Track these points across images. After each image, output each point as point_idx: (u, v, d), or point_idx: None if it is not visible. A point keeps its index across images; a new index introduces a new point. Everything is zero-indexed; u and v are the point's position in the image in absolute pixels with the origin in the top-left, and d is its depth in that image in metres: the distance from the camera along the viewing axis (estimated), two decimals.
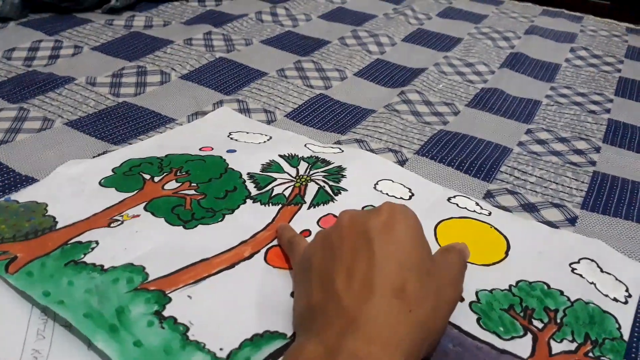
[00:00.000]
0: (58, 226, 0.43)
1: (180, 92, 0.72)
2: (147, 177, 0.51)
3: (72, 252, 0.40)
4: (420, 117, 0.71)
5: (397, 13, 1.11)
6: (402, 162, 0.60)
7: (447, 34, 1.03)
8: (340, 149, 0.60)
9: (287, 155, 0.57)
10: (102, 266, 0.39)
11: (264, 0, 1.09)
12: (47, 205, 0.46)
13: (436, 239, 0.48)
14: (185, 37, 0.87)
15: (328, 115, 0.70)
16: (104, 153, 0.56)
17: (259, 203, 0.49)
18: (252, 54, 0.85)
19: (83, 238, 0.42)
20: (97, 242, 0.42)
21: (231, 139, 0.60)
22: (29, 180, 0.51)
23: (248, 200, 0.49)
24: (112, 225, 0.44)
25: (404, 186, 0.54)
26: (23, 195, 0.47)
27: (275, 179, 0.53)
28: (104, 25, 0.90)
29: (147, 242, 0.42)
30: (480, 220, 0.50)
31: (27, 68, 0.74)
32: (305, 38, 0.94)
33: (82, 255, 0.40)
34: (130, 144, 0.59)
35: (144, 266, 0.40)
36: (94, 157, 0.56)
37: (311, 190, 0.52)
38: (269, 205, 0.49)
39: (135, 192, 0.49)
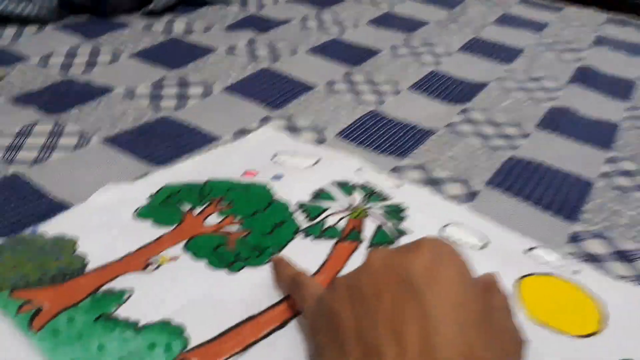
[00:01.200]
0: (88, 268, 0.38)
1: (223, 107, 0.66)
2: (187, 208, 0.46)
3: (104, 303, 0.35)
4: (486, 140, 0.64)
5: (450, 20, 1.03)
6: (471, 195, 0.53)
7: (507, 44, 0.94)
8: (399, 184, 0.53)
9: (338, 182, 0.51)
10: (136, 323, 0.34)
11: (308, 3, 1.03)
12: (77, 240, 0.41)
13: (521, 298, 0.41)
14: (228, 45, 0.82)
15: (383, 135, 0.63)
16: (144, 176, 0.52)
17: (310, 237, 0.44)
18: (298, 64, 0.79)
19: (116, 284, 0.37)
20: (131, 290, 0.37)
21: (276, 162, 0.55)
22: (62, 207, 0.47)
23: (298, 235, 0.44)
24: (148, 268, 0.39)
25: (475, 233, 0.48)
26: (51, 227, 0.42)
27: (327, 209, 0.47)
28: (143, 30, 0.86)
29: (187, 291, 0.37)
30: (567, 279, 0.43)
31: (63, 76, 0.71)
32: (353, 47, 0.87)
33: (115, 307, 0.35)
34: (173, 165, 0.54)
35: (184, 327, 0.34)
36: (134, 179, 0.51)
37: (369, 227, 0.46)
38: (321, 239, 0.43)
39: (174, 227, 0.43)
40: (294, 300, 0.36)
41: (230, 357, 0.33)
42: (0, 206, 0.47)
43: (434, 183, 0.55)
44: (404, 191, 0.52)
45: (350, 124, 0.65)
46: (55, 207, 0.46)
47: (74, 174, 0.52)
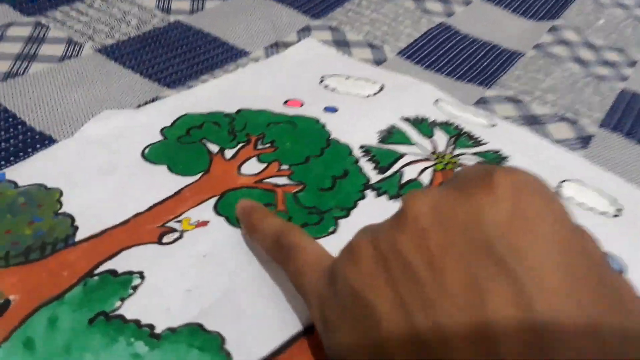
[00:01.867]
0: (78, 236, 0.26)
1: (252, 12, 0.51)
2: (214, 148, 0.33)
3: (102, 295, 0.24)
4: (588, 67, 0.50)
5: None
6: (584, 140, 0.40)
7: None
8: (490, 122, 0.40)
9: (413, 117, 0.39)
10: (151, 328, 0.23)
11: None
12: (61, 193, 0.29)
13: None
14: None
15: (458, 56, 0.49)
16: (153, 101, 0.39)
17: (385, 197, 0.31)
18: None
19: (119, 264, 0.25)
20: (141, 275, 0.25)
21: (326, 87, 0.41)
22: (44, 141, 0.34)
23: (368, 193, 0.32)
24: (164, 240, 0.27)
25: (603, 193, 0.35)
26: (24, 172, 0.30)
27: (402, 155, 0.35)
28: None
29: (222, 277, 0.25)
30: None
31: None
32: None
33: (119, 303, 0.23)
34: (190, 86, 0.41)
35: (222, 336, 0.23)
36: (138, 106, 0.38)
37: None
38: (399, 201, 0.31)
39: (199, 175, 0.31)
40: (284, 269, 0.24)
41: None
42: None
43: (533, 121, 0.42)
44: (499, 132, 0.39)
45: (416, 40, 0.51)
46: (36, 141, 0.34)
47: (59, 94, 0.39)
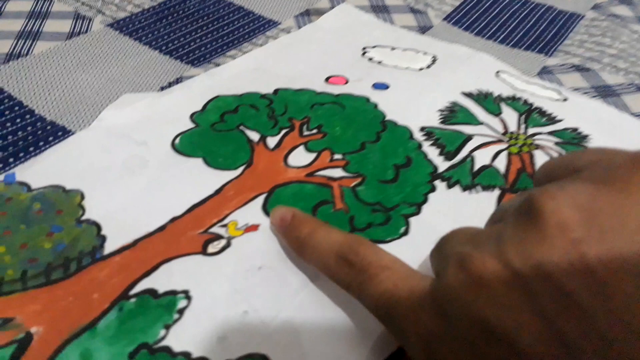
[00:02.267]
0: (107, 248, 0.22)
1: None
2: (255, 137, 0.29)
3: (143, 322, 0.19)
4: None
5: None
6: None
7: None
8: (560, 95, 0.35)
9: (475, 93, 0.34)
10: None
11: None
12: (82, 195, 0.24)
13: None
14: None
15: (510, 20, 0.44)
16: (177, 82, 0.34)
17: (457, 188, 0.27)
18: None
19: (159, 280, 0.21)
20: (186, 294, 0.21)
21: (371, 60, 0.36)
22: (57, 133, 0.30)
23: (438, 184, 0.27)
24: (210, 249, 0.22)
25: None
26: (39, 171, 0.26)
27: (469, 137, 0.30)
28: None
29: (283, 294, 0.21)
30: None
31: None
32: None
33: (163, 332, 0.19)
34: (217, 64, 0.36)
35: None
36: (161, 88, 0.34)
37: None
38: (475, 191, 0.27)
39: (241, 169, 0.27)
40: (356, 294, 0.19)
41: None
42: None
43: (606, 92, 0.37)
44: (572, 107, 0.34)
45: (462, 3, 0.45)
46: (44, 134, 0.30)
47: (69, 76, 0.34)
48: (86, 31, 0.38)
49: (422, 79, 0.35)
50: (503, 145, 0.30)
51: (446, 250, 0.17)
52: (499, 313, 0.14)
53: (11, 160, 0.28)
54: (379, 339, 0.20)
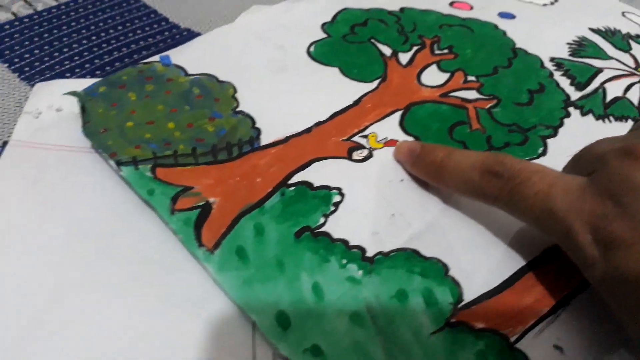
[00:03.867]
0: (263, 140, 0.24)
1: None
2: (387, 51, 0.30)
3: (303, 208, 0.21)
4: None
5: None
6: None
7: None
8: None
9: (603, 29, 0.33)
10: (362, 250, 0.21)
11: None
12: (234, 88, 0.26)
13: None
14: None
15: None
16: None
17: (590, 116, 0.27)
18: None
19: (312, 175, 0.23)
20: (340, 191, 0.22)
21: None
22: (193, 38, 0.31)
23: (572, 110, 0.27)
24: (354, 156, 0.24)
25: None
26: (192, 58, 0.27)
27: (600, 70, 0.30)
28: None
29: (427, 205, 0.22)
30: None
31: None
32: None
33: (322, 219, 0.21)
34: None
35: (443, 262, 0.20)
36: None
37: None
38: (608, 121, 0.27)
39: (377, 82, 0.28)
40: (505, 202, 0.20)
41: (538, 322, 0.19)
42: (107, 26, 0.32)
43: None
44: None
45: None
46: (182, 38, 0.31)
47: None
48: None
49: (547, 13, 0.34)
50: (635, 79, 0.30)
51: (596, 152, 0.19)
52: None
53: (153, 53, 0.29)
54: (522, 245, 0.21)
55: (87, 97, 0.25)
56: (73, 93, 0.25)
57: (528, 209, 0.19)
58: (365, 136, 0.25)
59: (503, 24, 0.32)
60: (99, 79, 0.28)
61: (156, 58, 0.27)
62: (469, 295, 0.20)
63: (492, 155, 0.21)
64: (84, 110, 0.24)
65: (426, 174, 0.23)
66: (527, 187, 0.19)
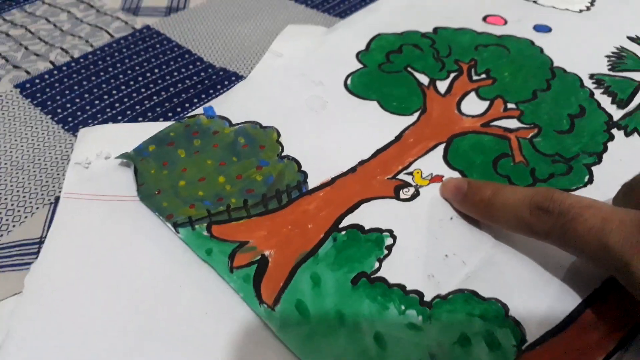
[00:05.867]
0: (310, 184, 0.24)
1: None
2: (424, 79, 0.29)
3: (357, 253, 0.21)
4: None
5: None
6: None
7: None
8: None
9: None
10: (419, 295, 0.21)
11: None
12: (278, 133, 0.26)
13: None
14: None
15: None
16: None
17: (636, 135, 0.27)
18: None
19: (362, 218, 0.23)
20: (391, 233, 0.22)
21: (534, 1, 0.35)
22: (231, 77, 0.31)
23: (615, 132, 0.27)
24: (401, 195, 0.24)
25: None
26: (234, 108, 0.27)
27: None
28: None
29: (480, 243, 0.22)
30: None
31: None
32: None
33: (376, 264, 0.21)
34: None
35: (502, 302, 0.20)
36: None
37: None
38: None
39: (416, 115, 0.28)
40: (556, 238, 0.20)
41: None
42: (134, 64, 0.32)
43: None
44: None
45: None
46: (218, 78, 0.31)
47: (226, 28, 0.35)
48: None
49: (584, 21, 0.33)
50: None
51: None
52: None
53: (195, 101, 0.30)
54: (580, 279, 0.21)
55: (138, 158, 0.26)
56: (124, 155, 0.26)
57: (582, 246, 0.19)
58: (410, 173, 0.25)
59: (539, 40, 0.32)
60: (142, 122, 0.28)
61: (200, 111, 0.28)
62: (531, 336, 0.20)
63: (540, 190, 0.21)
64: (136, 171, 0.25)
65: (475, 211, 0.23)
66: (579, 224, 0.19)
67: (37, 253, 0.23)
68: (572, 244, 0.19)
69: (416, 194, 0.24)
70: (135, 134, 0.26)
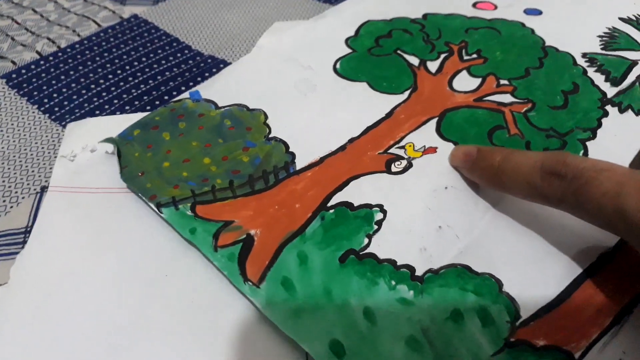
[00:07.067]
0: (298, 164, 0.24)
1: None
2: (414, 61, 0.29)
3: (345, 230, 0.21)
4: None
5: None
6: None
7: None
8: None
9: (633, 18, 0.32)
10: (410, 270, 0.20)
11: None
12: (265, 115, 0.26)
13: None
14: None
15: None
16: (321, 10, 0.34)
17: (630, 112, 0.26)
18: None
19: (351, 194, 0.22)
20: (381, 208, 0.22)
21: None
22: (219, 65, 0.31)
23: (609, 109, 0.26)
24: (393, 168, 0.23)
25: None
26: (220, 91, 0.27)
27: (635, 63, 0.29)
28: None
29: (475, 212, 0.22)
30: None
31: None
32: None
33: (366, 240, 0.21)
34: None
35: (496, 278, 0.20)
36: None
37: None
38: None
39: (407, 93, 0.27)
40: (567, 202, 0.19)
41: (600, 334, 0.19)
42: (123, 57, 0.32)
43: None
44: None
45: None
46: (206, 66, 0.31)
47: (214, 16, 0.35)
48: None
49: (574, 5, 0.33)
50: None
51: None
52: None
53: (183, 89, 0.30)
54: (576, 253, 0.21)
55: (122, 142, 0.25)
56: (109, 140, 0.25)
57: (596, 211, 0.18)
58: (402, 147, 0.24)
59: (530, 22, 0.31)
60: (129, 114, 0.28)
61: (186, 95, 0.27)
62: (526, 312, 0.19)
63: (553, 154, 0.20)
64: (119, 155, 0.25)
65: (484, 178, 0.22)
66: (593, 187, 0.18)
67: (23, 243, 0.22)
68: (586, 210, 0.18)
69: (409, 166, 0.23)
70: (123, 126, 0.26)
